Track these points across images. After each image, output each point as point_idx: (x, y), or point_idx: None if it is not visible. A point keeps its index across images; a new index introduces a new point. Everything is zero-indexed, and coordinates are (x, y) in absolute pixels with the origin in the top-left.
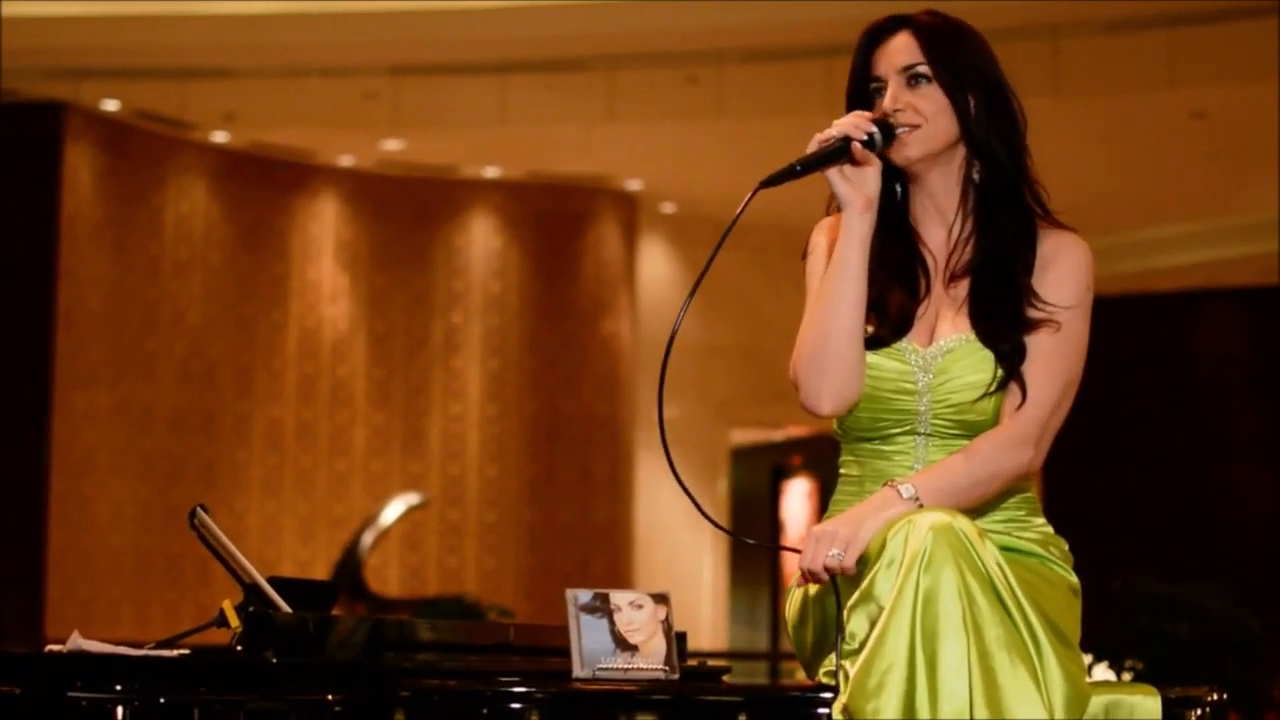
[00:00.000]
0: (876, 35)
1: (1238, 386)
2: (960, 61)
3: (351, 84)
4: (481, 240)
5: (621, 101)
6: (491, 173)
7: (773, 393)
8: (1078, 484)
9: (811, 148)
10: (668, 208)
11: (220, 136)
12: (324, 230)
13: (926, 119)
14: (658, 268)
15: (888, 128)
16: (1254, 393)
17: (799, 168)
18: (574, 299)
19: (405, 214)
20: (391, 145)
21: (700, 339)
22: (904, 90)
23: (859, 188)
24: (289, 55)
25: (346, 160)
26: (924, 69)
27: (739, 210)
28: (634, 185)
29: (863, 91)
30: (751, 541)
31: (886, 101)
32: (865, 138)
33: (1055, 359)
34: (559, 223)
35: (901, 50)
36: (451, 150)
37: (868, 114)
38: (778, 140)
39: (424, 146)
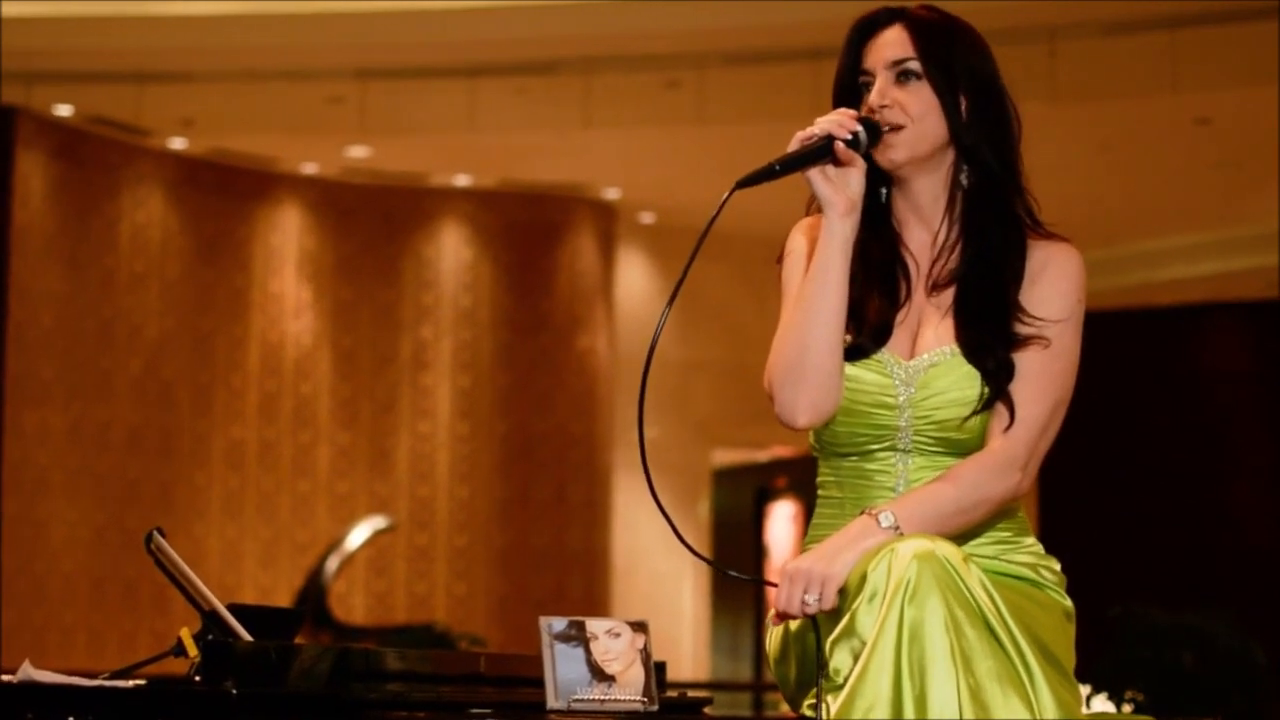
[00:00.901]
0: (868, 27)
1: (1243, 405)
2: (953, 59)
3: (315, 88)
4: (452, 252)
5: (598, 106)
6: (462, 181)
7: (756, 411)
8: (1074, 507)
9: (793, 146)
10: (646, 217)
11: (178, 143)
12: (287, 241)
13: (913, 119)
14: (636, 280)
15: (873, 127)
16: (1260, 412)
17: (778, 167)
18: (548, 313)
19: (372, 224)
20: (357, 152)
21: (681, 355)
22: (892, 86)
23: (841, 189)
24: (250, 58)
25: (310, 168)
26: (914, 65)
27: (715, 212)
28: (611, 194)
29: (851, 87)
30: (733, 574)
31: (873, 96)
32: (849, 137)
33: (1044, 377)
34: (533, 233)
35: (892, 44)
36: (420, 157)
37: (853, 112)
38: (762, 147)
39: (391, 153)
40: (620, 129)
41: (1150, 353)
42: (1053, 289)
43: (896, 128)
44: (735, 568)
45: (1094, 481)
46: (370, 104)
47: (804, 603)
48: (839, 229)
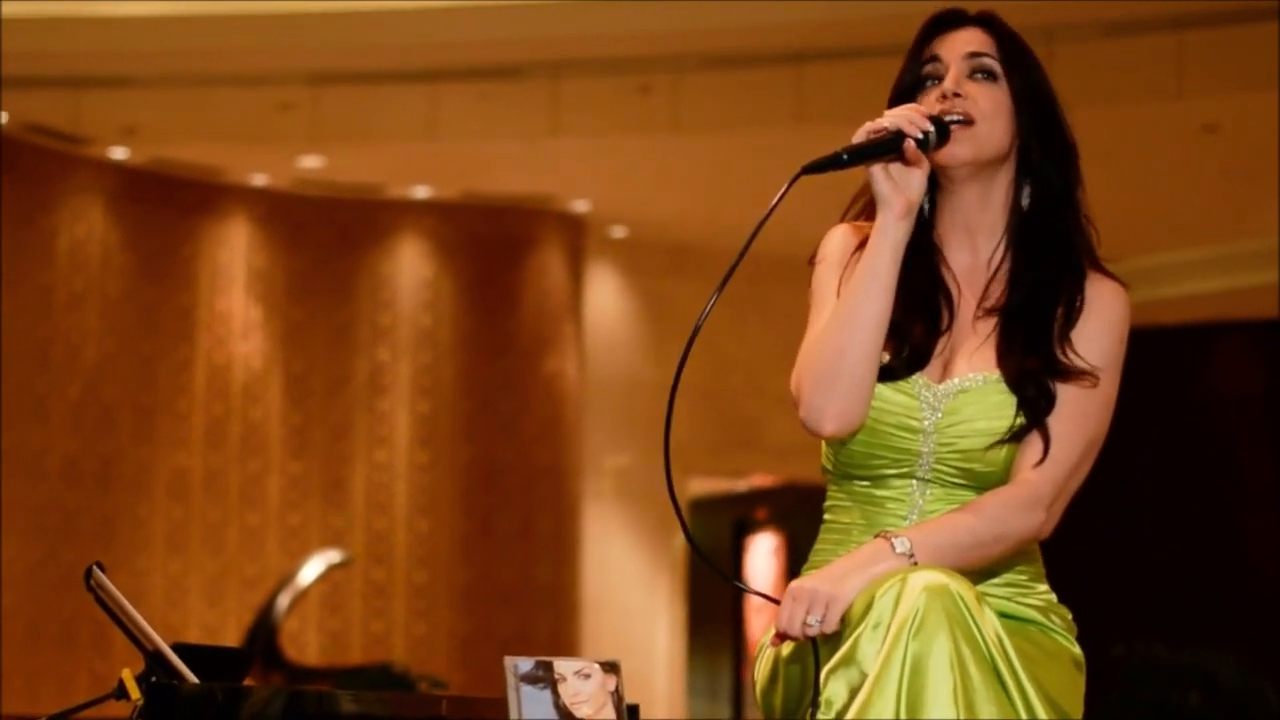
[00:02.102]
0: (941, 24)
1: (1253, 430)
2: (1031, 68)
3: (265, 94)
4: (410, 268)
5: (566, 113)
6: (421, 193)
7: (736, 438)
8: (1074, 538)
9: (859, 137)
10: (618, 232)
11: (119, 153)
12: (234, 257)
13: (984, 117)
14: (607, 299)
15: (943, 127)
16: (1271, 438)
17: (846, 156)
18: (514, 334)
19: (325, 239)
20: (310, 162)
21: (655, 377)
22: (965, 79)
23: (902, 189)
24: (195, 62)
25: (259, 179)
26: (993, 64)
27: (776, 198)
28: (580, 207)
29: (914, 82)
30: (752, 590)
31: (947, 83)
32: (920, 136)
33: (1081, 417)
34: (497, 249)
35: (971, 40)
36: (377, 168)
37: (924, 109)
38: (742, 156)
39: (346, 164)
40: (590, 137)
41: (1154, 375)
42: (1100, 331)
43: (967, 122)
44: (711, 603)
45: (1094, 512)
46: (323, 111)
47: (806, 623)
48: (894, 231)
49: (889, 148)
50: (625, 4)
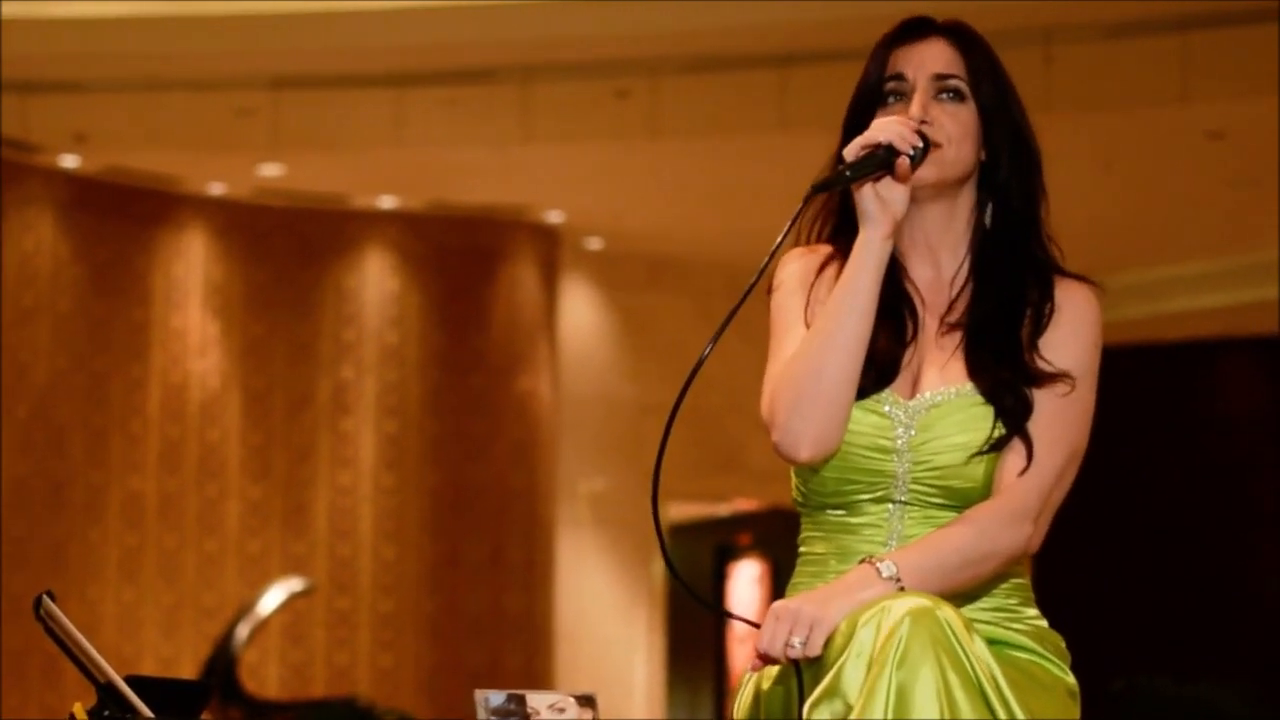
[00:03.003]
0: (907, 33)
1: (1261, 451)
2: (999, 83)
3: (223, 99)
4: (376, 282)
5: (539, 119)
6: (387, 203)
7: (717, 461)
8: (1071, 566)
9: (853, 152)
10: (593, 243)
11: (70, 161)
12: (191, 270)
13: (951, 141)
14: (582, 314)
15: (926, 141)
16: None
17: (849, 173)
18: (484, 351)
19: (286, 251)
20: (270, 170)
21: (633, 396)
22: (931, 102)
23: (888, 207)
24: (149, 66)
25: (217, 188)
26: (961, 85)
27: (791, 221)
28: (554, 217)
29: (875, 94)
30: (733, 615)
31: (914, 108)
32: (912, 152)
33: (1060, 424)
34: (466, 261)
35: (938, 57)
36: (340, 176)
37: (913, 123)
38: (724, 164)
39: (308, 172)
40: (564, 144)
41: (1156, 394)
42: (1069, 334)
43: (934, 145)
44: (692, 634)
45: (1091, 536)
46: (284, 117)
47: (789, 645)
48: (879, 249)
49: (881, 163)
50: (601, 4)
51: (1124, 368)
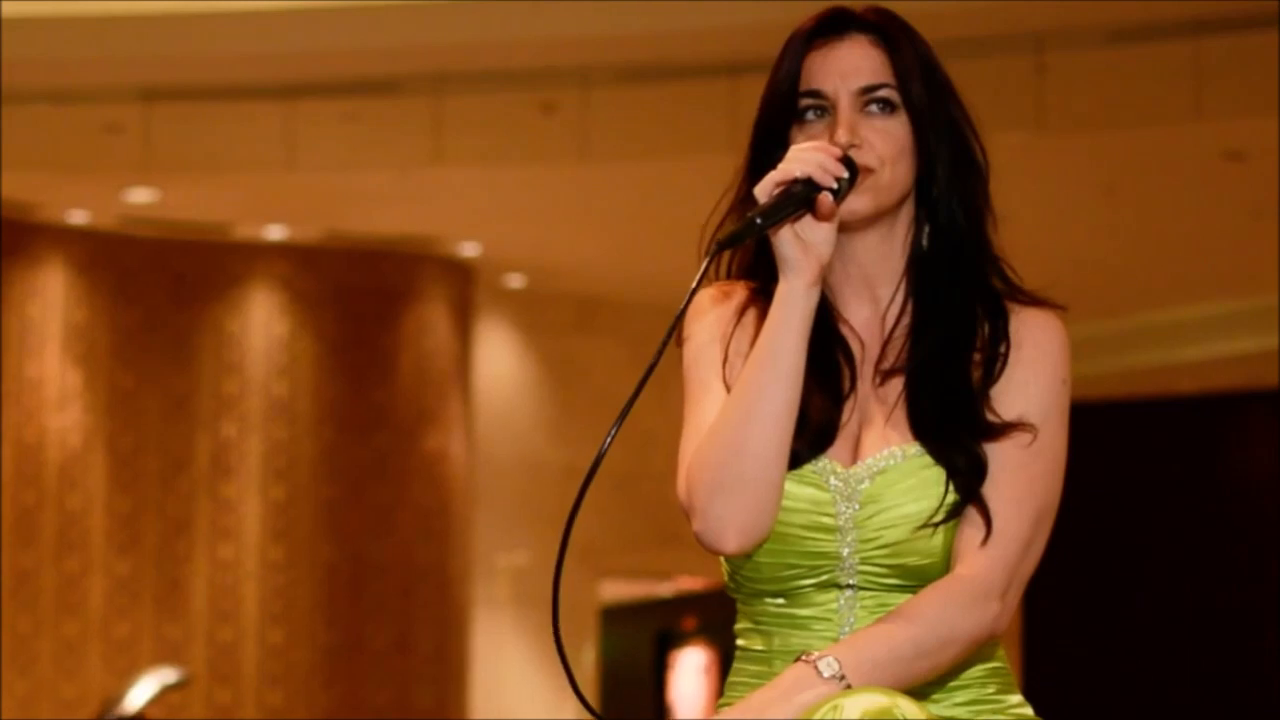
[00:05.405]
0: (822, 31)
1: None
2: (932, 87)
3: (87, 114)
4: (262, 325)
5: (451, 137)
6: (276, 234)
7: (658, 533)
8: (1063, 651)
9: (765, 193)
10: (514, 281)
11: None
12: (49, 312)
13: (884, 162)
14: (501, 362)
15: (853, 168)
16: None
17: (759, 220)
18: (388, 406)
19: (159, 290)
20: (140, 196)
21: (559, 458)
22: (859, 119)
23: (812, 250)
24: (3, 75)
25: (79, 216)
26: (891, 94)
27: (697, 280)
28: (469, 251)
29: (785, 112)
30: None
31: (841, 133)
32: (835, 186)
33: (1023, 482)
34: (367, 301)
35: (860, 65)
36: (221, 203)
37: (835, 149)
38: (664, 190)
39: (184, 198)
40: (480, 166)
41: (1170, 454)
42: (1032, 372)
43: (865, 171)
44: None
45: (1092, 612)
46: (157, 134)
47: None
48: (803, 302)
49: (800, 201)
50: (524, 4)
51: (1130, 425)
